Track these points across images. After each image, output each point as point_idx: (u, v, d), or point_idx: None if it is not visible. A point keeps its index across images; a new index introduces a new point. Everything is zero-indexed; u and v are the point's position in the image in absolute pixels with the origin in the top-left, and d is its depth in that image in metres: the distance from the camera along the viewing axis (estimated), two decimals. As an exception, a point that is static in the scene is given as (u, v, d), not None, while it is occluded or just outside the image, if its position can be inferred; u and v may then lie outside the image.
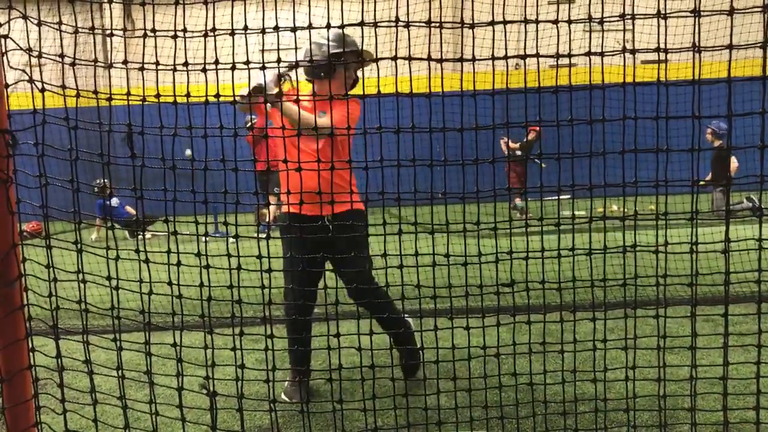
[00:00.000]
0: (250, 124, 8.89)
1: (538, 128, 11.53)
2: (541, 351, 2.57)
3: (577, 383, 2.68)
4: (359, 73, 3.54)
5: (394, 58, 2.26)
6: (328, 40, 3.26)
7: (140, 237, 10.63)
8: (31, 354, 2.22)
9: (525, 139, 11.90)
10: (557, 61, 2.22)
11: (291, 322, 3.40)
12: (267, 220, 10.63)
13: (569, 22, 2.25)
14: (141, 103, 2.28)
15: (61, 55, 2.22)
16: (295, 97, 2.73)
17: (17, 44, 2.16)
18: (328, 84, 3.15)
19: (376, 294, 3.35)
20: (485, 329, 2.50)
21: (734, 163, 10.50)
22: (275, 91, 3.09)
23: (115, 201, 11.20)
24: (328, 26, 2.30)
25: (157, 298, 2.40)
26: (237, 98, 2.38)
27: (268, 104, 3.09)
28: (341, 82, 3.42)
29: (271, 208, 10.59)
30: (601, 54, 2.28)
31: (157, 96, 2.26)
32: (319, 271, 3.45)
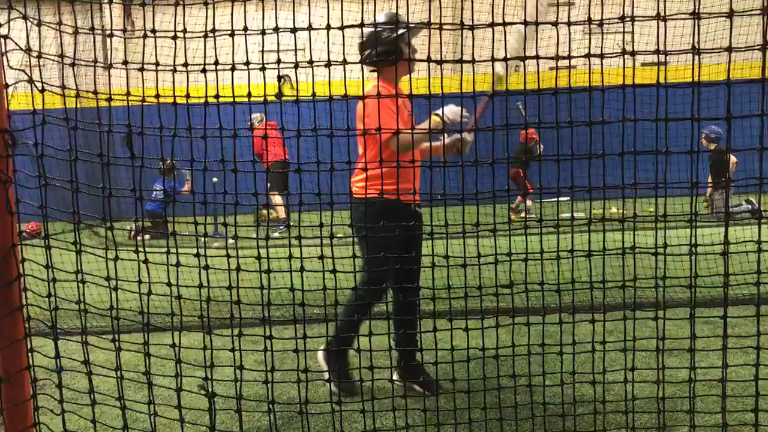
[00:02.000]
0: (250, 123, 8.88)
1: (535, 136, 11.55)
2: (540, 353, 2.57)
3: (576, 385, 2.68)
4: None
5: (394, 60, 2.27)
6: (382, 23, 3.19)
7: (139, 238, 10.62)
8: (29, 354, 2.22)
9: (520, 143, 11.89)
10: (557, 63, 2.22)
11: (361, 306, 3.39)
12: (281, 217, 10.63)
13: (569, 23, 2.25)
14: (141, 103, 2.28)
15: (61, 56, 2.22)
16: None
17: (17, 44, 2.16)
18: (398, 67, 3.10)
19: (418, 293, 3.42)
20: (484, 331, 2.50)
21: (732, 158, 10.49)
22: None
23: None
24: (328, 27, 2.31)
25: (156, 299, 2.40)
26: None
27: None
28: (405, 67, 3.19)
29: (280, 208, 10.58)
30: (601, 56, 2.28)
31: (157, 96, 2.26)
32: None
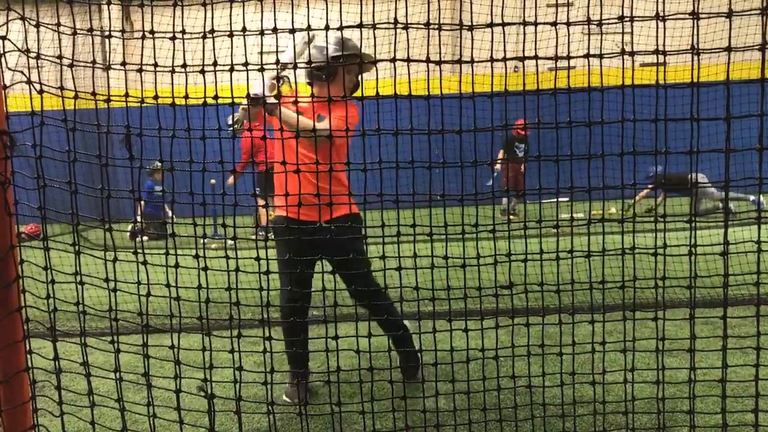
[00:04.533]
0: (236, 126, 8.84)
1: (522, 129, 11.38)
2: (540, 353, 2.56)
3: (575, 386, 2.68)
4: (359, 78, 3.54)
5: (393, 60, 2.27)
6: (327, 43, 3.27)
7: (145, 239, 10.63)
8: (28, 356, 2.22)
9: (504, 140, 11.73)
10: (556, 64, 2.22)
11: (288, 324, 3.40)
12: (263, 222, 10.63)
13: (568, 24, 2.25)
14: (139, 104, 2.28)
15: (60, 57, 2.21)
16: (293, 99, 2.72)
17: (15, 45, 2.16)
18: (327, 87, 3.17)
19: (376, 295, 3.35)
20: (484, 332, 2.50)
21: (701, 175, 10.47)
22: (272, 97, 3.09)
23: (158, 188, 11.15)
24: (327, 28, 2.30)
25: (155, 300, 2.40)
26: (237, 111, 2.40)
27: (267, 111, 3.10)
28: (341, 86, 3.42)
29: (264, 210, 10.58)
30: (600, 56, 2.28)
31: (156, 98, 2.26)
32: (312, 273, 3.45)
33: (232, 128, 3.42)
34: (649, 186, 10.01)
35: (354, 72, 3.45)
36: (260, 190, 10.02)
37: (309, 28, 2.31)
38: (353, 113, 3.31)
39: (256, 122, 3.56)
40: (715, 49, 2.18)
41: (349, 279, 3.39)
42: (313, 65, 3.01)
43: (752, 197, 10.92)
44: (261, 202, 10.27)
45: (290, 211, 3.23)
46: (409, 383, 3.51)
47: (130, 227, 10.82)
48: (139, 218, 9.99)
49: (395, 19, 2.25)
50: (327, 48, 3.22)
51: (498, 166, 11.66)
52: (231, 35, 2.21)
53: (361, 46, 2.94)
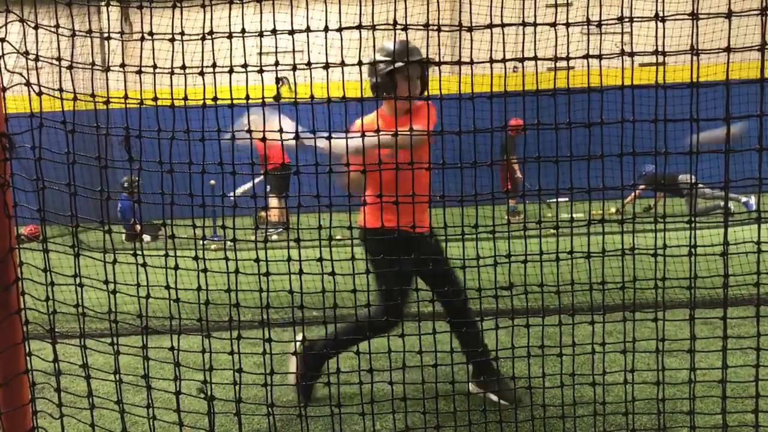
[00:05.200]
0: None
1: (517, 125, 11.35)
2: (540, 354, 2.56)
3: (575, 386, 2.68)
4: (425, 74, 3.42)
5: (392, 60, 2.27)
6: (393, 54, 3.12)
7: (147, 239, 10.64)
8: (28, 358, 2.21)
9: (503, 141, 11.73)
10: (555, 64, 2.22)
11: (356, 335, 3.25)
12: (276, 220, 10.63)
13: (567, 24, 2.25)
14: (138, 106, 2.28)
15: (59, 58, 2.21)
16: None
17: (14, 47, 2.16)
18: (393, 100, 3.10)
19: (468, 306, 3.31)
20: (483, 332, 2.49)
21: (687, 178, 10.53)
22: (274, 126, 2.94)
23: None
24: (326, 29, 2.30)
25: (154, 302, 2.40)
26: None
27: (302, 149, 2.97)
28: (406, 91, 3.21)
29: (275, 211, 10.58)
30: (599, 56, 2.28)
31: (155, 99, 2.26)
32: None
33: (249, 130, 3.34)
34: (641, 187, 10.05)
35: (416, 74, 3.28)
36: (273, 190, 10.04)
37: (308, 30, 2.31)
38: (433, 113, 3.19)
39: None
40: (715, 49, 2.18)
41: (448, 293, 3.29)
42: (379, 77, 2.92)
43: (743, 198, 10.94)
44: (274, 202, 10.29)
45: (402, 225, 2.99)
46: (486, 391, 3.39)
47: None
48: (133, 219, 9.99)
49: (394, 19, 2.25)
50: (390, 61, 3.10)
51: (516, 166, 11.66)
52: (230, 37, 2.21)
53: (360, 45, 2.93)
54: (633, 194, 10.41)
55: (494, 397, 3.28)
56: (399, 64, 3.13)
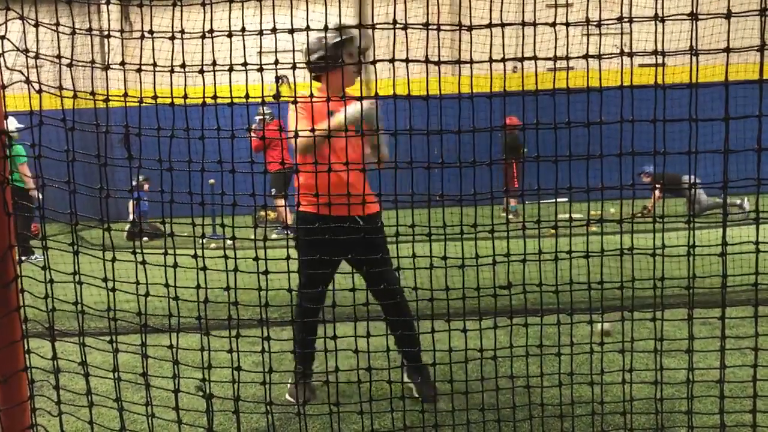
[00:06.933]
0: (263, 118, 8.88)
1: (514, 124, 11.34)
2: (538, 354, 2.57)
3: (574, 386, 2.68)
4: (364, 57, 3.42)
5: (392, 60, 2.27)
6: (326, 31, 3.18)
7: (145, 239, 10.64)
8: (27, 356, 2.22)
9: (504, 141, 11.73)
10: (555, 64, 2.23)
11: (301, 323, 3.36)
12: (281, 220, 10.64)
13: (567, 25, 2.25)
14: (138, 104, 2.28)
15: (59, 57, 2.21)
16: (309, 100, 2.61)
17: (14, 45, 2.16)
18: (335, 75, 3.21)
19: (401, 294, 3.34)
20: (482, 332, 2.50)
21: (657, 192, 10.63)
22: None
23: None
24: (326, 28, 2.31)
25: (153, 300, 2.40)
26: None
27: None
28: (348, 71, 3.34)
29: (281, 209, 10.59)
30: (599, 57, 2.28)
31: (155, 98, 2.26)
32: (333, 273, 3.41)
33: (278, 82, 3.38)
34: (658, 186, 10.11)
35: (354, 55, 3.33)
36: (277, 189, 10.04)
37: (308, 29, 2.31)
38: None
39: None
40: (714, 50, 2.18)
41: (377, 278, 3.33)
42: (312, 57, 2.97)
43: (738, 200, 10.96)
44: (280, 202, 10.29)
45: (322, 208, 3.05)
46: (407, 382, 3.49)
47: (127, 227, 10.85)
48: (131, 216, 9.99)
49: (394, 19, 2.25)
50: (326, 38, 3.14)
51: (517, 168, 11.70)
52: (230, 35, 2.21)
53: (360, 45, 2.92)
54: (653, 195, 10.44)
55: (416, 394, 3.42)
56: (349, 36, 3.21)
